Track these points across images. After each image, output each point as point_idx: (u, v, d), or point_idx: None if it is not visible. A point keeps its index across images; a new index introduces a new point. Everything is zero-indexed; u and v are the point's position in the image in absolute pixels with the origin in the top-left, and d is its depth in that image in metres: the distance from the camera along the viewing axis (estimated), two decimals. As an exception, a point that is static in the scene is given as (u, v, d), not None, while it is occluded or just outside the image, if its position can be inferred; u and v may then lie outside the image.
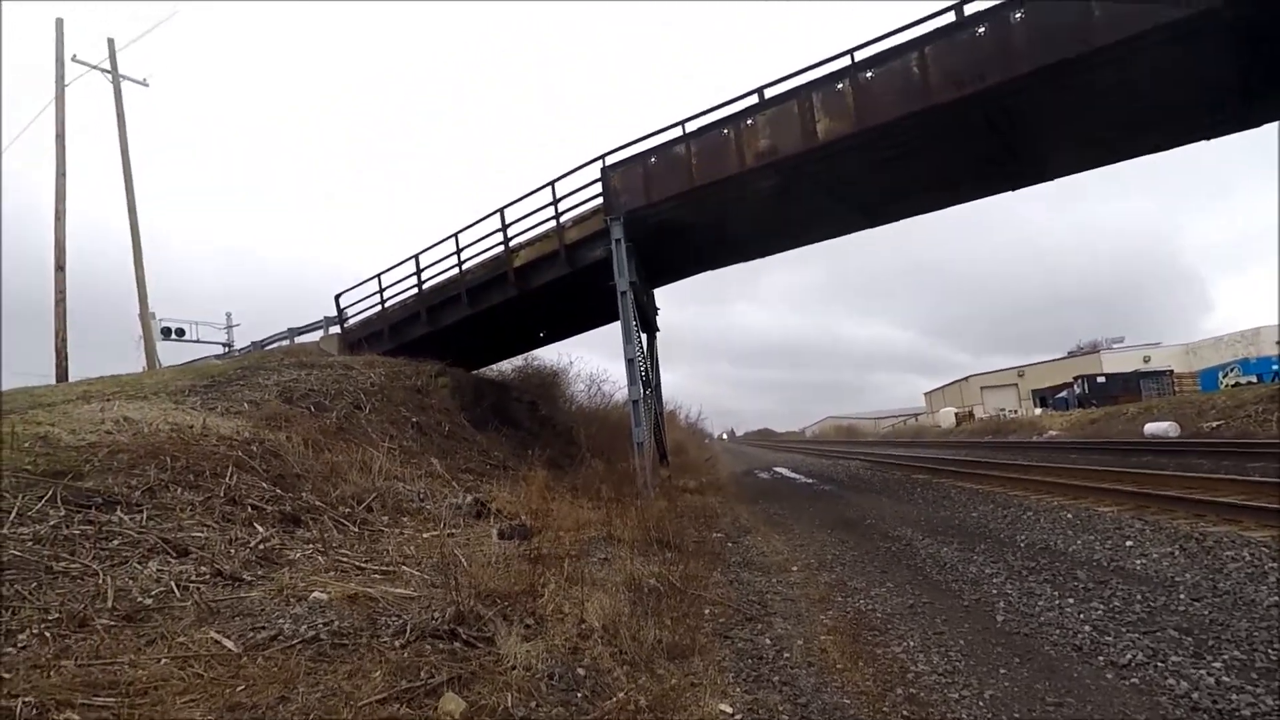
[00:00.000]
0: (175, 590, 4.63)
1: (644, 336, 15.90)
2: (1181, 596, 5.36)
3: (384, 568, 5.92)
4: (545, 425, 19.85)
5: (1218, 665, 4.02)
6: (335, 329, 19.68)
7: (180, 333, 22.76)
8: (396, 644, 3.99)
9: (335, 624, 4.22)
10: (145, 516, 5.89)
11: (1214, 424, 20.59)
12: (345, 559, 6.11)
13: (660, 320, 18.72)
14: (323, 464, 8.82)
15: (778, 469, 27.26)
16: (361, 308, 19.00)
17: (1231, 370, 34.17)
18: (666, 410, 23.87)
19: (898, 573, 7.13)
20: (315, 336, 20.61)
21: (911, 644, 4.89)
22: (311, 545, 6.33)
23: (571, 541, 7.23)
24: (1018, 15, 9.79)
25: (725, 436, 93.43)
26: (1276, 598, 5.05)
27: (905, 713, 3.77)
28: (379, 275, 18.12)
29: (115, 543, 5.30)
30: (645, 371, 14.94)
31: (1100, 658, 4.35)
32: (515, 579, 5.25)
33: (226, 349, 24.25)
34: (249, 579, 5.19)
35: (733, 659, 4.63)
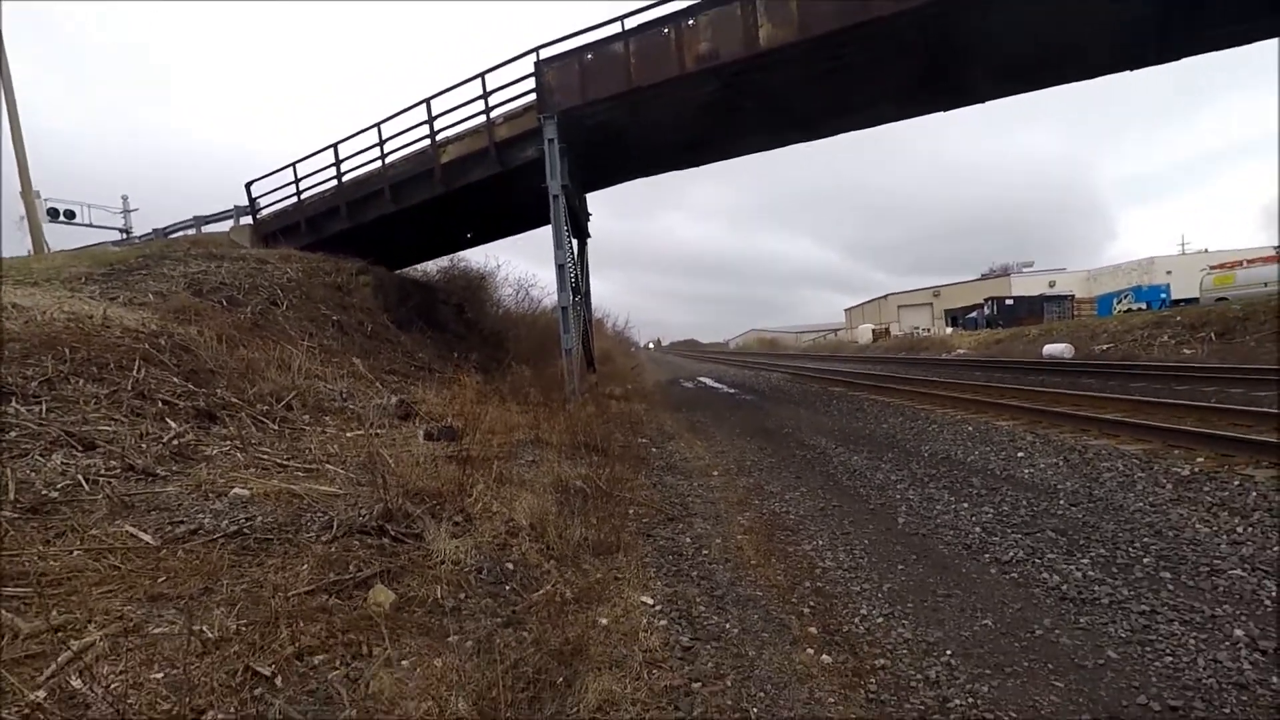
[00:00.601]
0: (84, 484, 4.48)
1: (575, 242, 15.66)
2: (1061, 502, 5.93)
3: (307, 466, 5.87)
4: (472, 329, 19.58)
5: (1085, 561, 4.52)
6: (247, 220, 18.47)
7: (70, 215, 20.81)
8: (324, 539, 4.02)
9: (259, 519, 4.21)
10: (45, 409, 5.60)
11: (1105, 347, 22.16)
12: (266, 456, 6.02)
13: (592, 226, 18.44)
14: (238, 360, 8.50)
15: (702, 379, 27.96)
16: (277, 198, 17.86)
17: (1125, 297, 36.58)
18: (595, 318, 23.89)
19: (811, 478, 7.57)
20: (224, 226, 19.30)
21: (820, 543, 5.28)
22: (229, 442, 6.19)
23: (500, 444, 7.32)
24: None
25: (652, 346, 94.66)
26: (1141, 503, 5.65)
27: (811, 603, 4.11)
28: (294, 164, 16.96)
29: (12, 434, 5.04)
30: (575, 278, 14.81)
31: (986, 555, 4.81)
32: (443, 479, 5.31)
33: (125, 235, 22.49)
34: (163, 474, 5.06)
35: (655, 556, 4.89)
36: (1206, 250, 46.87)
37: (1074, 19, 11.00)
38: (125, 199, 22.83)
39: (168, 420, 6.28)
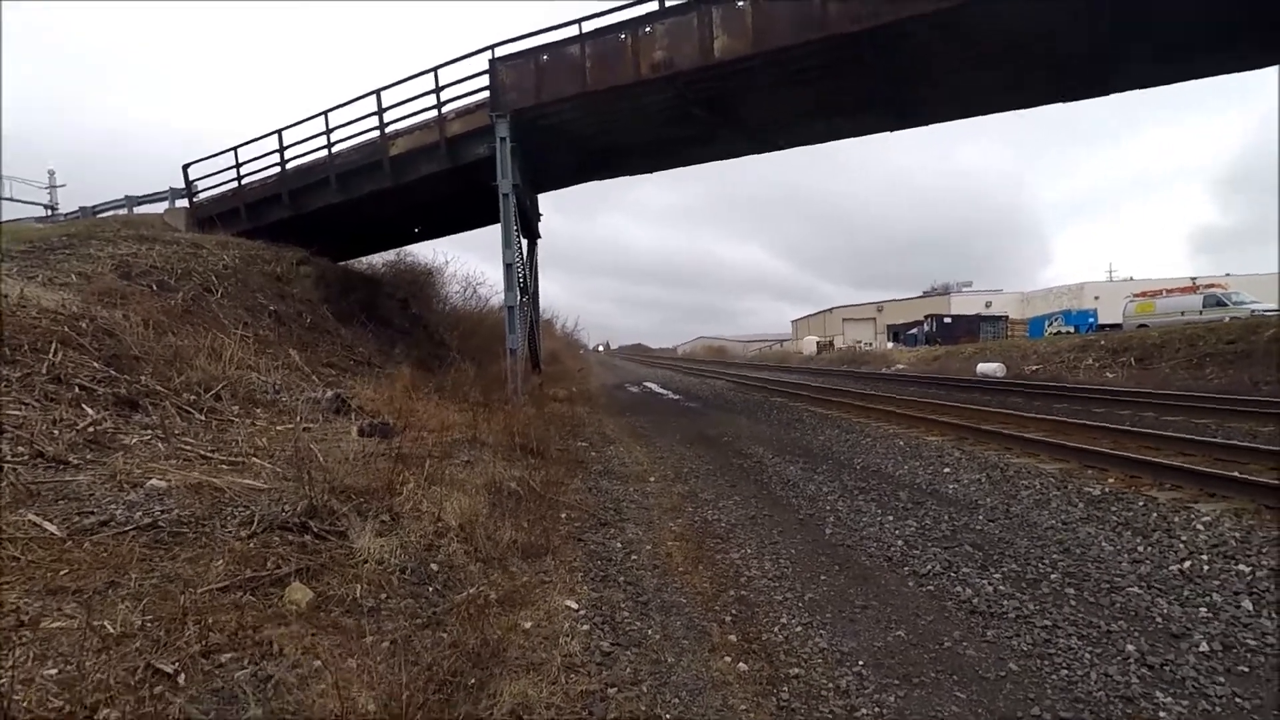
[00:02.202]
0: (-14, 471, 4.26)
1: (524, 242, 15.57)
2: (980, 518, 6.16)
3: (232, 458, 5.69)
4: (416, 324, 19.27)
5: (997, 576, 4.72)
6: (183, 202, 17.78)
7: (-14, 186, 19.74)
8: (242, 534, 3.92)
9: (175, 512, 4.08)
10: (-54, 391, 5.30)
11: (1034, 367, 23.16)
12: (189, 447, 5.82)
13: (543, 227, 18.36)
14: (165, 347, 8.18)
15: (648, 384, 28.08)
16: (216, 182, 17.24)
17: (1056, 320, 38.23)
18: (543, 319, 23.78)
19: (745, 487, 7.69)
20: (159, 208, 18.54)
21: (748, 551, 5.38)
22: (150, 431, 5.96)
23: (435, 442, 7.23)
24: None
25: (601, 349, 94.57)
26: (1054, 521, 5.92)
27: (734, 612, 4.19)
28: (235, 149, 16.40)
29: (-93, 418, 4.76)
30: (523, 278, 14.73)
31: (906, 568, 4.98)
32: (373, 476, 5.23)
33: (50, 212, 21.40)
34: (75, 462, 4.85)
35: (584, 560, 4.91)
36: (1132, 279, 49.32)
37: (1015, 52, 11.50)
38: (52, 174, 21.79)
39: (84, 407, 6.01)
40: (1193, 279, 37.11)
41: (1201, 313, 25.44)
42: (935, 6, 9.85)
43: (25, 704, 2.33)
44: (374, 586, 3.61)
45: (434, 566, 4.04)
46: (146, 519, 3.93)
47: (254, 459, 5.71)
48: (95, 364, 7.02)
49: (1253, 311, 23.30)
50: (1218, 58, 11.89)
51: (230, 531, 3.95)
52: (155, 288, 10.59)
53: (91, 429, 5.55)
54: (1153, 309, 28.48)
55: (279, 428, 7.03)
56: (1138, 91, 13.06)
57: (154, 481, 4.63)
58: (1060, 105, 13.56)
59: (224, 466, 5.43)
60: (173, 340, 8.48)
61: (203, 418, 6.86)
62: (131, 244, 12.54)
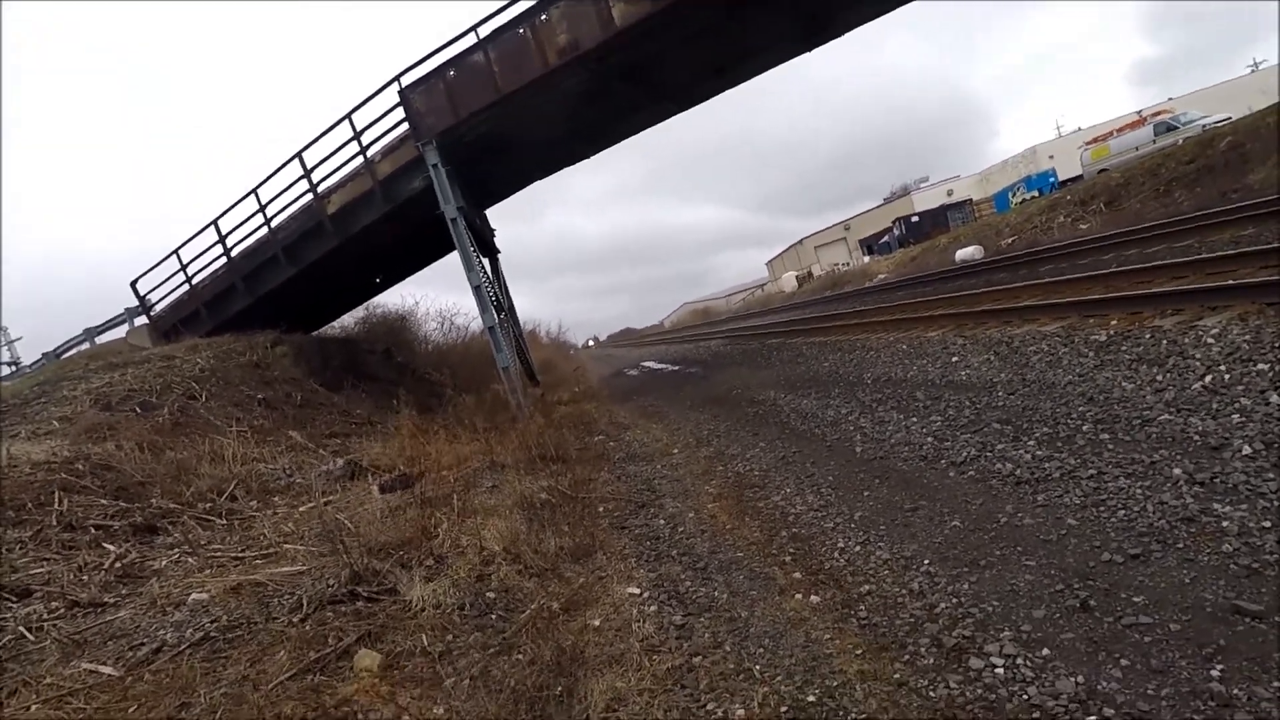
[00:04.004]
0: (27, 634, 4.21)
1: (486, 261, 15.45)
2: (999, 394, 6.18)
3: (264, 552, 5.65)
4: (405, 372, 19.15)
5: (1032, 443, 4.74)
6: (141, 319, 17.56)
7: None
8: (295, 620, 3.89)
9: (224, 619, 4.04)
10: (-37, 571, 5.24)
11: (1010, 240, 23.18)
12: (219, 553, 5.77)
13: (499, 241, 18.22)
14: (167, 465, 8.11)
15: (645, 363, 28.05)
16: (167, 289, 17.00)
17: (1018, 189, 38.21)
18: (526, 330, 23.67)
19: (767, 432, 7.70)
20: (121, 332, 18.32)
21: (788, 490, 5.39)
22: (177, 550, 5.91)
23: (456, 478, 7.20)
24: None
25: (592, 344, 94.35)
26: (1070, 376, 5.95)
27: (791, 550, 4.20)
28: (177, 252, 16.16)
29: (-66, 607, 4.70)
30: (495, 296, 14.63)
31: (942, 461, 5.00)
32: (405, 528, 5.20)
33: (14, 368, 21.14)
34: (113, 601, 4.81)
35: (633, 546, 4.90)
36: (1080, 129, 49.27)
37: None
38: (4, 330, 21.44)
39: (105, 545, 5.96)
40: (1139, 112, 37.14)
41: (1155, 141, 25.44)
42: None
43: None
44: (438, 631, 3.60)
45: (490, 595, 4.03)
46: (198, 634, 3.90)
47: (286, 545, 5.68)
48: (103, 501, 6.95)
49: (1203, 127, 23.30)
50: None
51: (282, 620, 3.93)
52: (139, 410, 10.49)
53: (119, 564, 5.51)
54: (1108, 151, 28.47)
55: (301, 509, 6.99)
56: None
57: (195, 596, 4.59)
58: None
59: (259, 562, 5.40)
60: (172, 455, 8.40)
61: (224, 521, 6.81)
62: (103, 374, 12.40)
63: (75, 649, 4.01)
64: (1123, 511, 3.47)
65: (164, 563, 5.63)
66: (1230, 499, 3.28)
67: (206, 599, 4.51)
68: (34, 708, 3.32)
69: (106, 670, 3.66)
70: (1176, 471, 3.67)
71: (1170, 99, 44.61)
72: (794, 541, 4.32)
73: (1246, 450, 3.67)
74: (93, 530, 6.27)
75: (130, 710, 3.24)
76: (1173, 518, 3.28)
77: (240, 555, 5.65)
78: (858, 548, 3.96)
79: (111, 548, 5.90)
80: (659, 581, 4.10)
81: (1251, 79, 43.39)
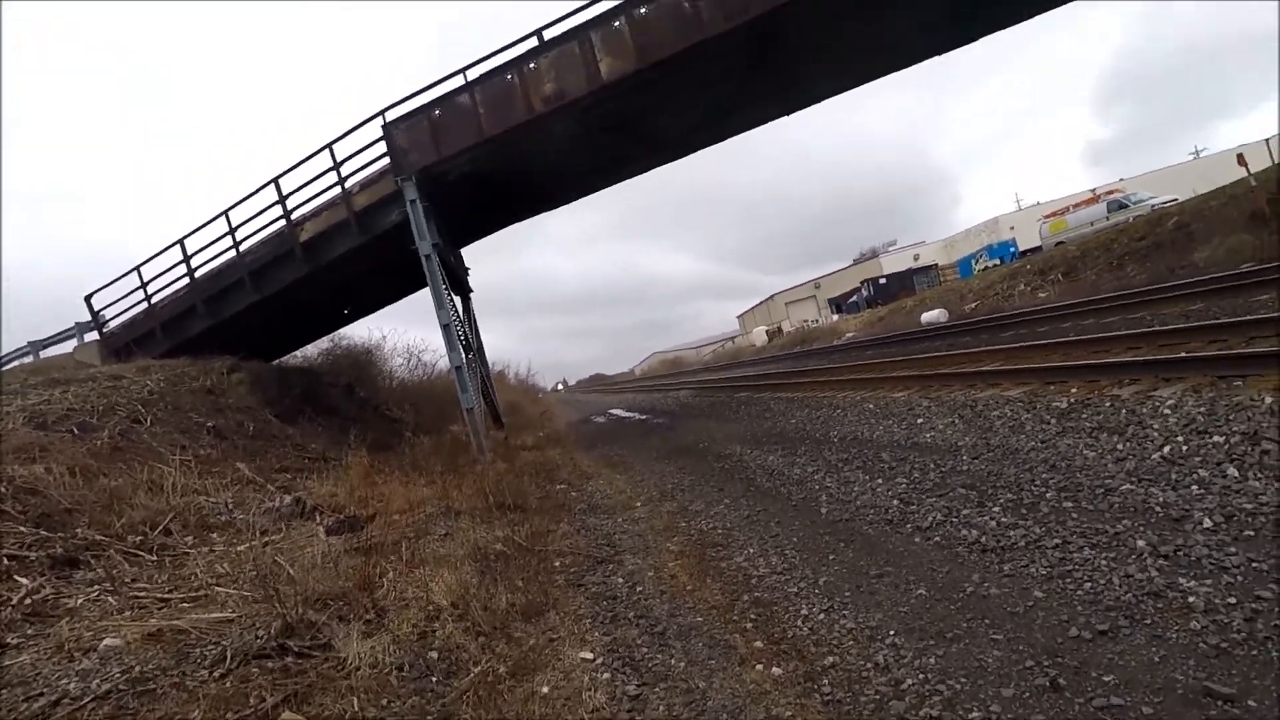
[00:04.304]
0: (-88, 679, 3.82)
1: (457, 299, 15.28)
2: (964, 457, 6.18)
3: (193, 594, 5.28)
4: (366, 407, 18.67)
5: (997, 509, 4.69)
6: (93, 335, 16.92)
7: None
8: (215, 675, 3.58)
9: (136, 669, 3.70)
10: None
11: (973, 305, 23.76)
12: (143, 594, 5.38)
13: (474, 280, 18.10)
14: (99, 492, 7.64)
15: (613, 411, 27.84)
16: (124, 306, 16.44)
17: (981, 257, 39.47)
18: (495, 371, 23.38)
19: (732, 488, 7.57)
20: (68, 347, 17.61)
21: (751, 551, 5.24)
22: (97, 586, 5.50)
23: (408, 523, 6.90)
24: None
25: (561, 388, 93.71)
26: (1033, 442, 5.97)
27: (753, 616, 4.03)
28: (138, 268, 15.69)
29: None
30: (464, 335, 14.43)
31: (908, 525, 4.91)
32: (348, 575, 4.91)
33: (-50, 382, 20.08)
34: (15, 642, 4.41)
35: (588, 605, 4.68)
36: (1039, 202, 51.35)
37: (881, 20, 11.84)
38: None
39: (16, 578, 5.52)
40: (1093, 190, 38.89)
41: (1108, 218, 26.57)
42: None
43: None
44: (372, 694, 3.33)
45: (433, 654, 3.76)
46: (105, 685, 3.56)
47: (217, 588, 5.31)
48: (22, 528, 6.48)
49: (1153, 207, 24.41)
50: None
51: (202, 675, 3.61)
52: (77, 431, 9.97)
53: (29, 600, 5.09)
54: (1065, 225, 29.63)
55: (240, 548, 6.60)
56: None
57: (108, 641, 4.23)
58: (934, 61, 14.08)
59: (185, 605, 5.03)
60: (106, 482, 7.94)
61: (154, 558, 6.38)
62: (43, 390, 11.81)
63: (-35, 697, 3.64)
64: (1089, 584, 3.40)
65: (80, 600, 5.22)
66: (1195, 573, 3.24)
67: (121, 645, 4.15)
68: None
69: (-3, 724, 3.31)
70: (1140, 543, 3.63)
71: (1121, 179, 46.92)
72: (756, 606, 4.15)
73: (1207, 523, 3.66)
74: (5, 560, 5.82)
75: (18, 772, 2.91)
76: (1139, 591, 3.21)
77: (166, 596, 5.28)
78: (822, 615, 3.81)
79: (24, 581, 5.46)
80: (614, 646, 3.88)
81: (1193, 165, 46.07)
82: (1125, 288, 15.18)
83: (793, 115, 15.21)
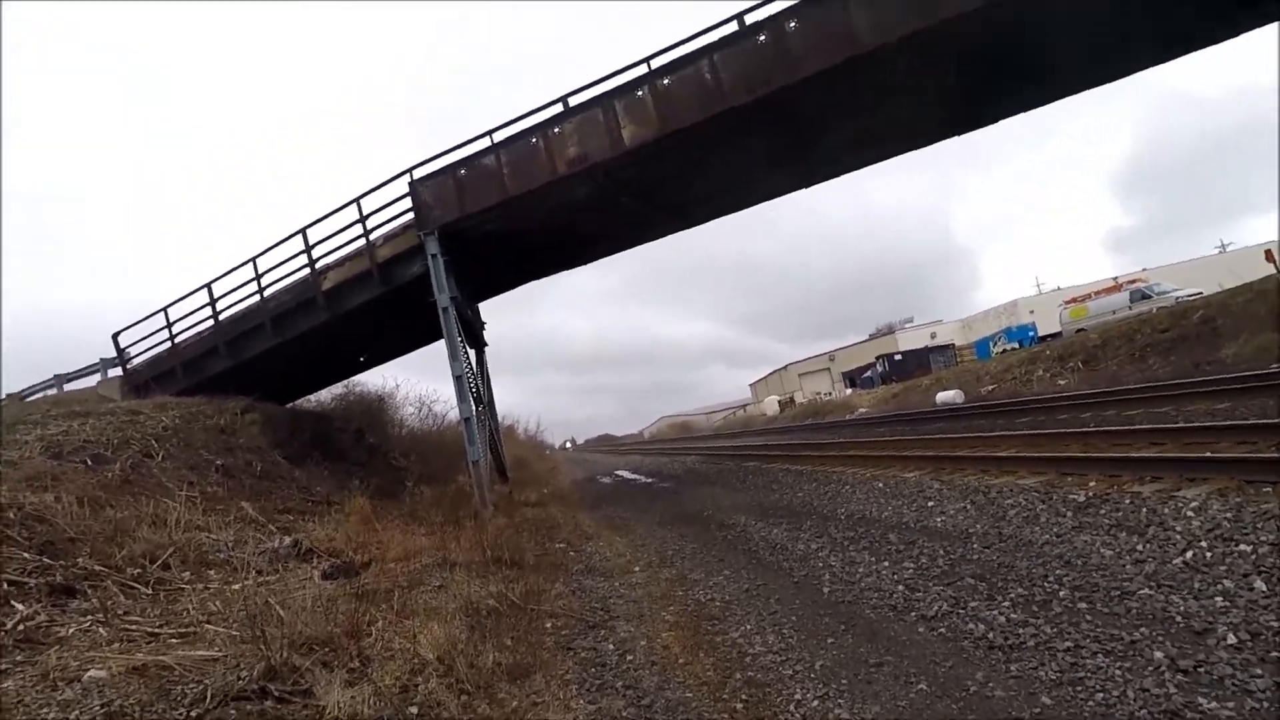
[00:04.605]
0: (-107, 698, 3.77)
1: (472, 352, 15.43)
2: (975, 545, 6.01)
3: (182, 630, 5.23)
4: (374, 454, 18.68)
5: (1006, 604, 4.53)
6: (116, 371, 17.25)
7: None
8: (193, 714, 3.51)
9: (115, 703, 3.64)
10: None
11: (990, 387, 23.57)
12: (135, 627, 5.33)
13: (490, 333, 18.30)
14: (104, 523, 7.67)
15: (619, 472, 27.60)
16: (148, 345, 16.80)
17: (999, 339, 39.33)
18: (504, 425, 23.37)
19: (734, 559, 7.41)
20: (92, 381, 17.95)
21: (748, 627, 5.09)
22: (90, 616, 5.46)
23: (403, 572, 6.82)
24: (792, 24, 10.65)
25: (569, 446, 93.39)
26: (1047, 535, 5.80)
27: (744, 696, 3.89)
28: (165, 309, 16.11)
29: None
30: (476, 388, 14.51)
31: (912, 613, 4.75)
32: (338, 621, 4.83)
33: (-26, 404, 20.45)
34: (3, 667, 4.36)
35: (576, 670, 4.56)
36: (1059, 287, 51.44)
37: (896, 100, 12.17)
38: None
39: (13, 604, 5.49)
40: (1114, 278, 38.91)
41: (1131, 308, 26.47)
42: (820, 67, 10.45)
43: None
44: (348, 747, 3.24)
45: (413, 710, 3.66)
46: (84, 717, 3.50)
47: (207, 626, 5.25)
48: (25, 554, 6.49)
49: (1176, 299, 24.32)
50: (1082, 76, 12.76)
51: (180, 713, 3.54)
52: (90, 462, 10.06)
53: (21, 627, 5.05)
54: (1086, 312, 29.55)
55: (234, 587, 6.53)
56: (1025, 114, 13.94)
57: (92, 673, 4.17)
58: (954, 141, 14.38)
59: (174, 641, 4.97)
60: (111, 514, 7.97)
61: (149, 591, 6.35)
62: (62, 422, 11.99)
63: (-59, 723, 3.58)
64: (1101, 694, 3.25)
65: (72, 630, 5.18)
66: (1216, 693, 3.08)
67: (105, 678, 4.09)
68: None
69: (-32, 755, 3.25)
70: (1158, 655, 3.47)
71: (1144, 269, 46.95)
72: (749, 686, 4.01)
73: (1232, 639, 3.49)
74: (4, 585, 5.81)
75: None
76: (1154, 709, 3.05)
77: (156, 630, 5.23)
78: (815, 702, 3.66)
79: (20, 607, 5.44)
80: (598, 716, 3.76)
81: (1220, 258, 45.90)
82: (1148, 380, 15.02)
83: (812, 188, 15.52)
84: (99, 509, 8.11)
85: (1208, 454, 6.50)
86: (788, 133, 12.37)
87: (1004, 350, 35.86)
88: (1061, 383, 19.56)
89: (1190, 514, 5.22)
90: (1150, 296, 26.52)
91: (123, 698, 3.74)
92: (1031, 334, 36.99)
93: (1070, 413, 12.94)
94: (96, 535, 7.36)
